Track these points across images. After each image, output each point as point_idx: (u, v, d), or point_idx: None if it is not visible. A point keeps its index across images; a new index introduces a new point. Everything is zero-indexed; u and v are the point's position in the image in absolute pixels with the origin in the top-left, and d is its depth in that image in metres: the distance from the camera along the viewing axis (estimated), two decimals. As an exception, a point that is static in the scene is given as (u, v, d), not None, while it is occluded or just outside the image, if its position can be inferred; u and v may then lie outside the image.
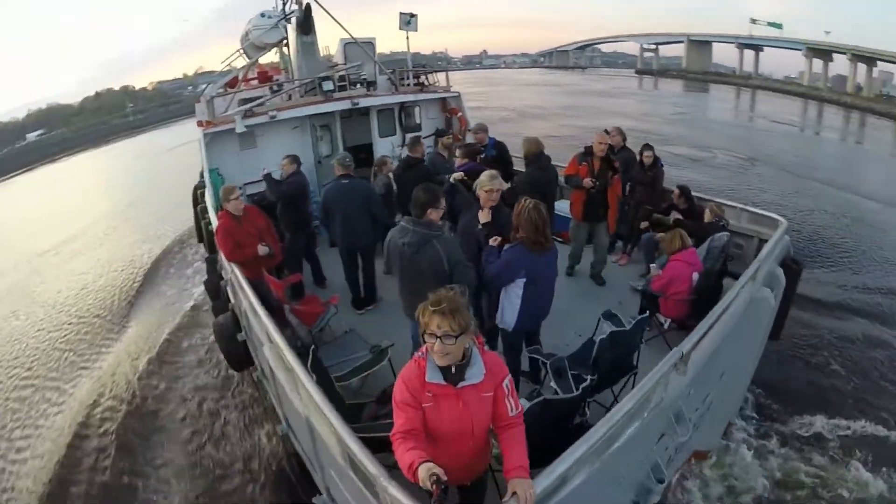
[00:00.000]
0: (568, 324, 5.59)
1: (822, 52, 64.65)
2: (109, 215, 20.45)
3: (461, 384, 2.47)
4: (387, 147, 10.31)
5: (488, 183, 4.61)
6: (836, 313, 8.80)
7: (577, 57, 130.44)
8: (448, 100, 11.06)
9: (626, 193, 7.33)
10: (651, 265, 6.31)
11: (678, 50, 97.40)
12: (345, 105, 9.30)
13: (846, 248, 11.77)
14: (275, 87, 9.90)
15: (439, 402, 2.47)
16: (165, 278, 12.42)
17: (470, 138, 8.96)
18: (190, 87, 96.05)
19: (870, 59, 57.22)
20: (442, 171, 6.84)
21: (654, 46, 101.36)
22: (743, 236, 6.54)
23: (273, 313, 4.47)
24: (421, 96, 10.68)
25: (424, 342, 2.44)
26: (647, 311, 4.88)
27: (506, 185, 4.96)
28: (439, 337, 2.35)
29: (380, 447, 2.68)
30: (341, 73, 9.86)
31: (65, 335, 10.25)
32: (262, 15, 10.07)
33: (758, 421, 5.98)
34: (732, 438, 5.61)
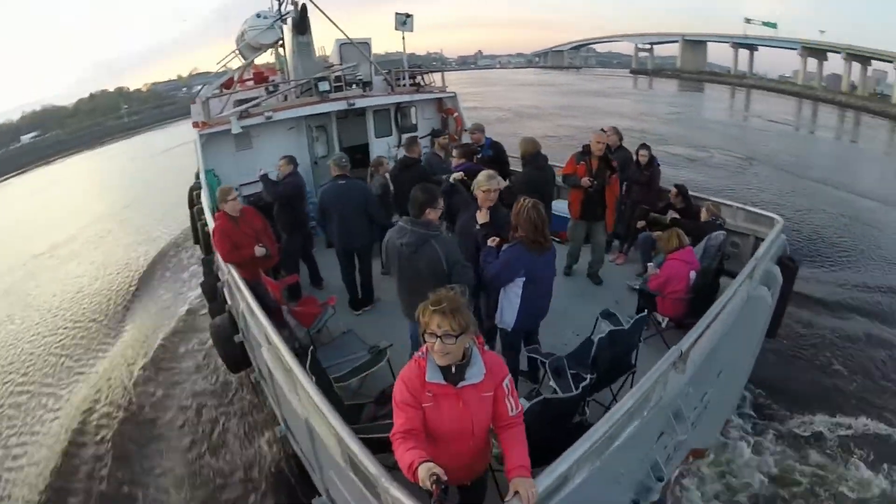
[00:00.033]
0: (566, 323, 5.59)
1: (817, 52, 64.87)
2: (105, 217, 20.36)
3: (461, 384, 2.47)
4: (383, 147, 10.30)
5: (486, 183, 4.61)
6: (836, 312, 8.84)
7: (572, 57, 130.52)
8: (444, 100, 11.06)
9: (623, 193, 7.34)
10: (648, 264, 6.34)
11: (673, 50, 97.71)
12: (341, 105, 9.28)
13: (845, 248, 11.84)
14: (271, 88, 9.87)
15: (439, 401, 2.47)
16: (161, 281, 12.33)
17: (466, 138, 8.97)
18: (184, 89, 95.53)
19: (864, 58, 57.45)
20: (438, 172, 6.84)
21: (648, 46, 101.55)
22: (739, 235, 6.56)
23: (271, 314, 4.46)
24: (417, 97, 10.68)
25: (424, 342, 2.44)
26: (646, 310, 4.89)
27: (504, 184, 4.96)
28: (439, 336, 2.35)
29: (379, 448, 2.67)
30: (337, 73, 9.84)
31: (60, 340, 10.14)
32: (258, 15, 10.01)
33: (756, 419, 6.00)
34: (731, 436, 5.63)
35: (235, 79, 10.57)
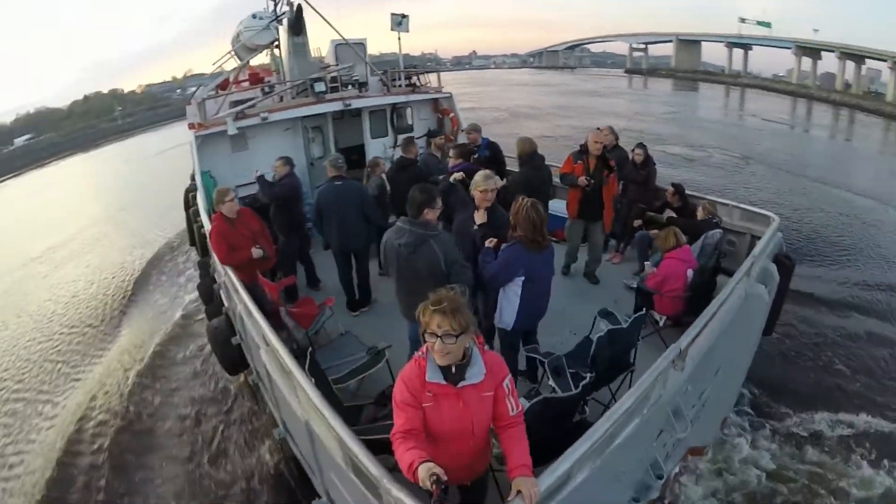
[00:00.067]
0: (563, 323, 5.59)
1: (811, 51, 65.08)
2: (100, 220, 20.25)
3: (461, 384, 2.47)
4: (379, 148, 10.29)
5: (483, 183, 4.61)
6: (836, 310, 8.86)
7: (567, 57, 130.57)
8: (440, 100, 11.04)
9: (619, 192, 7.36)
10: (645, 263, 6.35)
11: (667, 49, 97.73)
12: (337, 106, 9.27)
13: (845, 246, 11.87)
14: (266, 89, 9.86)
15: (439, 401, 2.47)
16: (157, 286, 12.20)
17: (462, 139, 8.96)
18: (178, 90, 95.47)
19: (858, 56, 57.69)
20: (435, 172, 6.85)
21: (643, 46, 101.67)
22: (735, 233, 6.58)
23: (268, 316, 4.45)
24: (413, 97, 10.66)
25: (425, 341, 2.44)
26: (644, 309, 4.90)
27: (501, 184, 4.97)
28: (440, 336, 2.35)
29: (379, 449, 2.67)
30: (333, 74, 9.83)
31: (56, 346, 10.00)
32: (254, 16, 10.00)
33: (755, 417, 6.01)
34: (729, 434, 5.64)
35: (231, 80, 10.56)
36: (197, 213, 8.33)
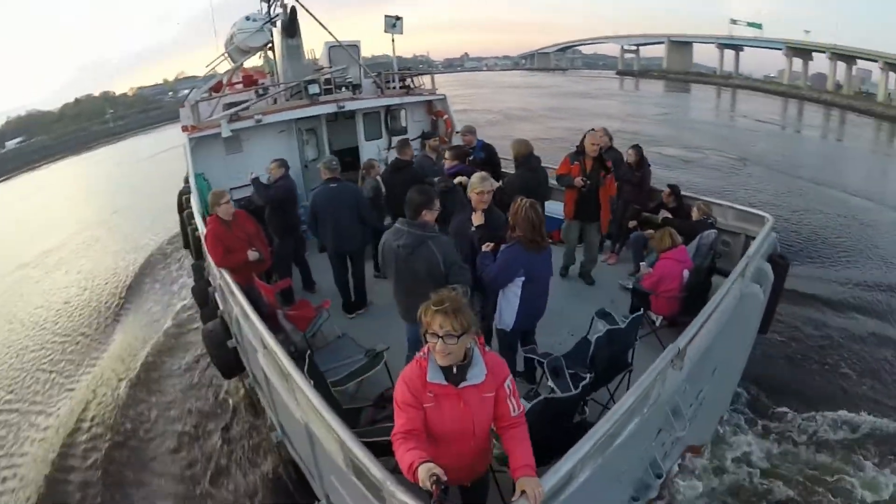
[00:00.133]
0: (560, 323, 5.60)
1: (802, 52, 65.63)
2: (92, 224, 20.04)
3: (462, 384, 2.47)
4: (373, 150, 10.29)
5: (479, 185, 4.62)
6: (838, 310, 8.90)
7: (558, 59, 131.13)
8: (434, 102, 11.06)
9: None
10: (641, 263, 6.37)
11: (659, 51, 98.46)
12: (331, 108, 9.26)
13: (845, 248, 11.93)
14: (260, 91, 9.84)
15: (441, 402, 2.47)
16: (151, 293, 12.00)
17: (457, 140, 8.96)
18: (170, 93, 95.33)
19: (849, 57, 58.25)
20: (430, 174, 6.84)
21: (634, 48, 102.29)
22: (730, 233, 6.61)
23: (265, 319, 4.43)
24: (407, 99, 10.68)
25: (426, 342, 2.44)
26: (642, 309, 4.92)
27: (497, 185, 4.98)
28: (441, 337, 2.35)
29: (379, 452, 2.65)
30: (327, 76, 9.82)
31: (48, 355, 9.78)
32: (248, 18, 10.00)
33: (754, 416, 6.02)
34: (728, 433, 5.66)
35: (225, 82, 10.54)
36: (191, 216, 8.29)
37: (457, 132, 9.71)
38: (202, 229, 6.66)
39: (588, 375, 3.71)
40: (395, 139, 9.78)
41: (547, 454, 2.69)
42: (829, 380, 7.00)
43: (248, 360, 5.11)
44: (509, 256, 4.11)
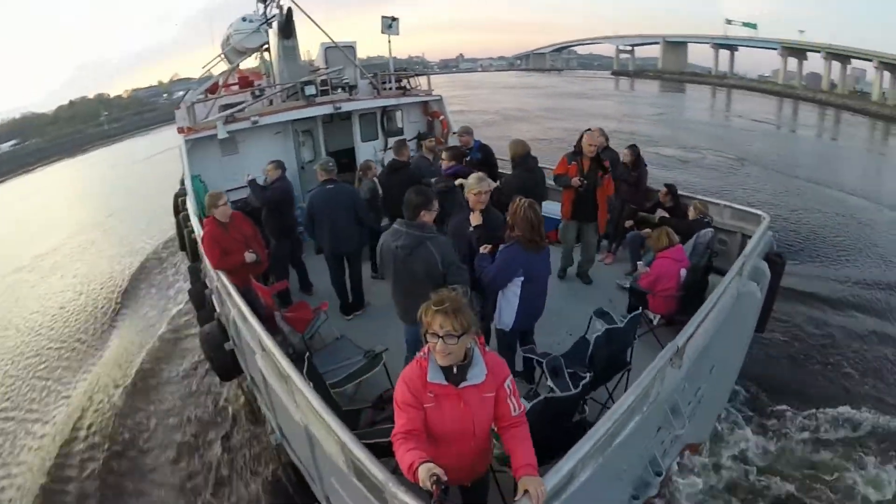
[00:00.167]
0: (559, 323, 5.61)
1: (797, 51, 65.86)
2: (88, 227, 19.93)
3: (463, 384, 2.47)
4: (369, 151, 10.28)
5: (476, 186, 4.62)
6: (839, 309, 8.94)
7: (554, 59, 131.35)
8: (430, 103, 11.06)
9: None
10: (638, 263, 6.38)
11: (654, 51, 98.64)
12: (327, 109, 9.25)
13: (844, 247, 11.99)
14: (257, 92, 9.83)
15: (441, 402, 2.47)
16: (147, 298, 11.88)
17: (453, 141, 8.96)
18: (165, 95, 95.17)
19: (844, 56, 58.48)
20: (427, 175, 6.84)
21: (629, 48, 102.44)
22: (726, 232, 6.63)
23: (263, 321, 4.42)
24: (403, 100, 10.68)
25: (426, 342, 2.44)
26: (640, 308, 4.93)
27: (494, 185, 4.98)
28: (441, 337, 2.34)
29: (379, 453, 2.65)
30: (323, 77, 9.81)
31: (44, 361, 9.65)
32: (244, 19, 9.97)
33: (753, 415, 6.04)
34: (727, 431, 5.68)
35: (221, 83, 10.52)
36: (187, 218, 8.27)
37: (454, 133, 9.71)
38: (199, 231, 6.65)
39: (587, 375, 3.71)
40: (392, 140, 9.78)
41: (547, 453, 2.69)
42: (829, 378, 7.02)
43: (246, 362, 5.10)
44: (508, 256, 4.12)
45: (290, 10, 9.89)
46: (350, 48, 10.90)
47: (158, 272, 13.41)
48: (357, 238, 6.33)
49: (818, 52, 61.65)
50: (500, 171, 7.67)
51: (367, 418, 4.05)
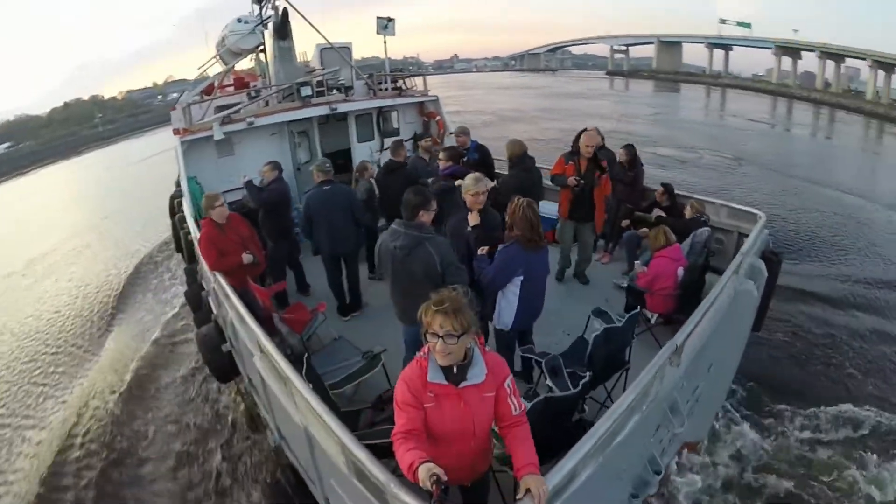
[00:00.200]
0: (556, 323, 5.61)
1: (791, 50, 66.24)
2: (83, 230, 19.81)
3: (463, 384, 2.47)
4: (365, 152, 10.28)
5: (474, 186, 4.62)
6: (839, 308, 8.97)
7: (548, 59, 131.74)
8: (426, 104, 11.05)
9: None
10: (635, 262, 6.39)
11: (648, 51, 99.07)
12: (323, 110, 9.24)
13: (843, 246, 12.04)
14: (252, 94, 9.81)
15: (441, 402, 2.47)
16: (143, 303, 11.75)
17: (449, 142, 8.95)
18: (159, 97, 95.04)
19: (838, 55, 58.84)
20: (424, 175, 6.84)
21: (624, 48, 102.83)
22: (723, 231, 6.64)
23: (261, 322, 4.41)
24: (399, 100, 10.68)
25: (426, 342, 2.44)
26: (638, 307, 4.94)
27: (492, 184, 4.98)
28: (441, 336, 2.34)
29: (378, 454, 2.64)
30: (319, 78, 9.80)
31: (40, 367, 9.53)
32: (239, 20, 9.96)
33: (751, 413, 6.05)
34: (725, 429, 5.70)
35: (216, 85, 10.50)
36: (183, 220, 8.23)
37: (451, 133, 9.71)
38: (195, 233, 6.62)
39: (587, 374, 3.72)
40: (388, 141, 9.79)
41: (548, 453, 2.69)
42: (830, 377, 7.04)
43: (244, 363, 5.08)
44: (508, 256, 4.13)
45: (285, 11, 9.86)
46: (346, 49, 10.89)
47: (154, 276, 13.29)
48: (354, 239, 6.33)
49: (812, 51, 62.01)
50: (496, 171, 7.66)
51: (367, 419, 4.04)
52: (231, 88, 11.26)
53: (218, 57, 11.29)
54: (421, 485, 2.08)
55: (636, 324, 4.76)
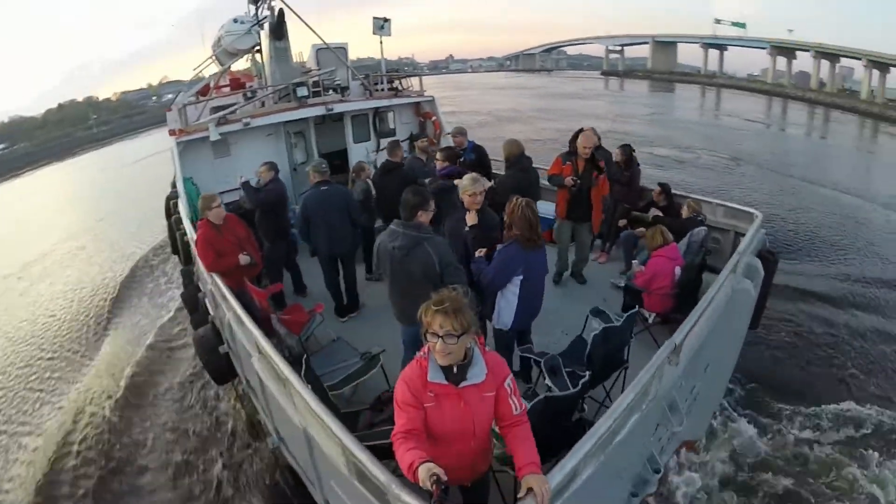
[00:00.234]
0: (553, 323, 5.61)
1: (786, 50, 66.45)
2: (78, 232, 19.67)
3: (463, 384, 2.47)
4: (361, 153, 10.28)
5: (471, 187, 4.63)
6: (839, 307, 9.02)
7: (543, 60, 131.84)
8: (422, 104, 11.06)
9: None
10: (633, 261, 6.40)
11: (643, 51, 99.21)
12: (319, 111, 9.23)
13: (843, 246, 12.12)
14: (248, 94, 9.79)
15: (441, 401, 2.47)
16: (139, 307, 11.61)
17: (445, 142, 8.95)
18: (154, 98, 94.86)
19: (833, 55, 59.06)
20: (421, 175, 6.83)
21: (619, 48, 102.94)
22: (720, 230, 6.67)
23: (259, 324, 4.39)
24: (395, 101, 10.69)
25: (426, 341, 2.43)
26: (636, 306, 4.95)
27: (489, 184, 4.99)
28: (441, 336, 2.34)
29: (378, 455, 2.63)
30: (315, 78, 9.79)
31: (35, 372, 9.38)
32: (235, 20, 9.95)
33: (749, 411, 6.08)
34: (726, 428, 5.73)
35: (212, 85, 10.48)
36: (179, 221, 8.20)
37: (447, 133, 9.71)
38: (191, 234, 6.59)
39: (586, 373, 3.72)
40: (384, 141, 9.78)
41: (548, 452, 2.69)
42: (830, 375, 7.08)
43: (242, 365, 5.06)
44: (507, 256, 4.13)
45: (281, 11, 9.85)
46: (342, 49, 10.89)
47: (150, 280, 13.19)
48: (351, 239, 6.32)
49: (807, 50, 62.22)
50: (493, 171, 7.66)
51: (366, 420, 4.03)
52: (227, 89, 11.26)
53: (214, 57, 11.26)
54: (421, 485, 2.08)
55: (634, 323, 4.77)
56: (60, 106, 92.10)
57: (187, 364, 8.36)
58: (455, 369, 2.45)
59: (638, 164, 7.59)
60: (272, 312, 5.39)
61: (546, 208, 7.18)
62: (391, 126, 10.78)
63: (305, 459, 3.57)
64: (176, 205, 8.77)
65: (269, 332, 4.80)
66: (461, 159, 7.11)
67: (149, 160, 33.32)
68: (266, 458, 5.97)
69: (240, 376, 5.61)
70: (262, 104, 9.83)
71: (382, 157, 8.20)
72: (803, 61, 64.81)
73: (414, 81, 11.59)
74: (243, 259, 5.53)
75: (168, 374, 8.41)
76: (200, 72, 12.57)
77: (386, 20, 10.61)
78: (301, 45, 11.83)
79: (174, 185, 9.43)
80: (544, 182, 6.88)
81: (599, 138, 7.53)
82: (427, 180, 6.24)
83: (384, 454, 2.58)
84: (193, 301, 6.94)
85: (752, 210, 6.20)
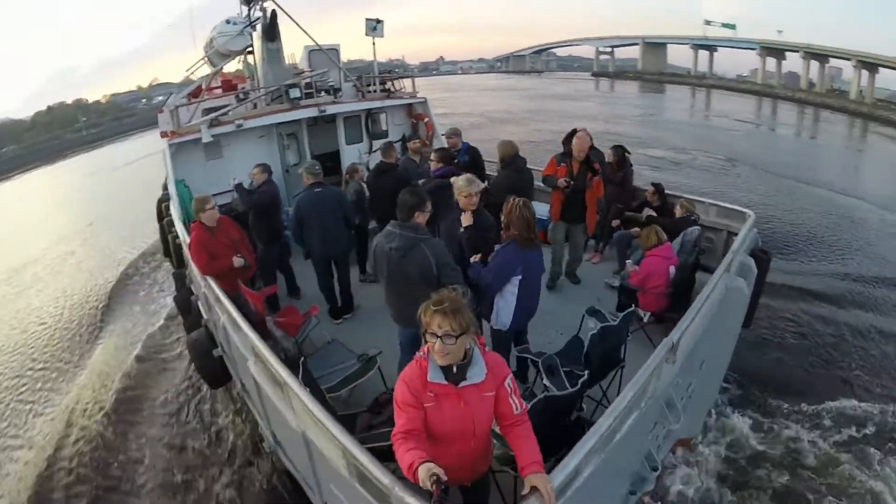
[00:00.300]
0: (549, 323, 5.63)
1: (776, 51, 67.05)
2: (67, 237, 19.37)
3: (462, 384, 2.47)
4: (354, 154, 10.27)
5: (467, 188, 4.63)
6: (839, 306, 9.06)
7: (534, 61, 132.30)
8: (414, 105, 11.06)
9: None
10: (627, 261, 6.42)
11: (633, 52, 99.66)
12: (311, 112, 9.22)
13: (841, 246, 12.19)
14: (241, 96, 9.75)
15: (441, 401, 2.47)
16: (130, 315, 11.32)
17: (438, 143, 8.94)
18: (144, 100, 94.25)
19: (822, 56, 59.63)
20: (415, 176, 6.83)
21: (609, 49, 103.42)
22: (713, 230, 6.70)
23: (254, 327, 4.36)
24: (388, 102, 10.68)
25: (426, 342, 2.43)
26: (633, 306, 4.98)
27: (483, 185, 4.99)
28: (440, 336, 2.34)
29: (377, 457, 2.61)
30: (307, 80, 9.77)
31: (26, 384, 9.13)
32: (228, 22, 9.90)
33: (751, 410, 6.10)
34: (725, 426, 5.77)
35: (204, 87, 10.44)
36: (171, 224, 8.15)
37: (441, 135, 9.71)
38: (183, 237, 6.55)
39: (585, 372, 3.73)
40: (376, 143, 9.78)
41: (548, 452, 2.69)
42: (832, 374, 7.11)
43: (237, 368, 5.02)
44: (506, 255, 4.15)
45: (274, 12, 9.82)
46: (334, 51, 10.88)
47: (141, 287, 12.93)
48: (346, 241, 6.31)
49: (797, 51, 62.80)
50: (487, 173, 7.67)
51: (364, 423, 4.01)
52: (219, 91, 11.19)
53: (206, 59, 11.21)
54: (421, 485, 2.08)
55: (630, 322, 4.79)
56: (49, 108, 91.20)
57: (181, 372, 8.18)
58: (455, 369, 2.45)
59: (631, 165, 7.62)
60: (267, 315, 5.36)
61: (540, 209, 7.16)
62: (383, 127, 10.77)
63: (304, 463, 3.55)
64: (168, 207, 8.71)
65: (264, 334, 4.78)
66: (455, 160, 7.11)
67: (139, 163, 33.10)
68: (267, 472, 5.71)
69: (234, 379, 5.57)
70: (255, 106, 9.79)
71: (375, 158, 8.18)
72: (793, 62, 65.55)
73: (406, 83, 11.60)
74: (237, 261, 5.49)
75: (164, 383, 8.17)
76: (191, 73, 12.52)
77: (379, 21, 10.60)
78: (293, 47, 11.77)
79: (165, 188, 9.37)
80: (539, 183, 6.89)
81: (592, 138, 7.57)
82: (420, 182, 6.23)
83: (383, 456, 2.57)
84: (186, 304, 6.90)
85: (744, 210, 6.24)
